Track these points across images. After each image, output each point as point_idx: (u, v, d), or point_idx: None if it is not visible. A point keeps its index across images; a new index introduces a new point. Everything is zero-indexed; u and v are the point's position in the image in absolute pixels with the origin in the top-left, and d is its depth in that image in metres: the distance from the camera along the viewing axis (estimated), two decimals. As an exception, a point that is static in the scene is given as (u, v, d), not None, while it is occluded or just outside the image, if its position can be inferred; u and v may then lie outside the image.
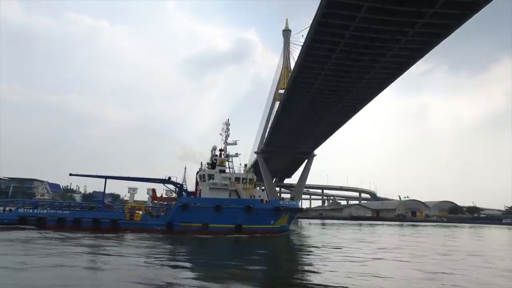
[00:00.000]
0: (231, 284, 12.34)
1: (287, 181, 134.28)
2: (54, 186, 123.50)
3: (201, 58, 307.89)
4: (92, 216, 32.99)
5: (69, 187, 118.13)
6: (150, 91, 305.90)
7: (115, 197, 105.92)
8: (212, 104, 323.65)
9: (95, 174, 36.80)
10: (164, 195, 40.60)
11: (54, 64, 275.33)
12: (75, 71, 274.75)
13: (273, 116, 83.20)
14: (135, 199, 38.23)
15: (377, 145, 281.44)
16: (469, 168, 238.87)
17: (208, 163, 38.48)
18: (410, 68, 48.53)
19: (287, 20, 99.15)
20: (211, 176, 36.52)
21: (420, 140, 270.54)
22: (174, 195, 39.63)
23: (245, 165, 41.58)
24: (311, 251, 24.48)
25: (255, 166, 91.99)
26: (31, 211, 33.23)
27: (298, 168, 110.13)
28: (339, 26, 37.41)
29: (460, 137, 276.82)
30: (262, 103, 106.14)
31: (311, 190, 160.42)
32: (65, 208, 35.26)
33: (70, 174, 36.58)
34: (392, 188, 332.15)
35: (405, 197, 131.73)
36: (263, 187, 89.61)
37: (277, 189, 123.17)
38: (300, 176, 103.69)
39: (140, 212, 35.48)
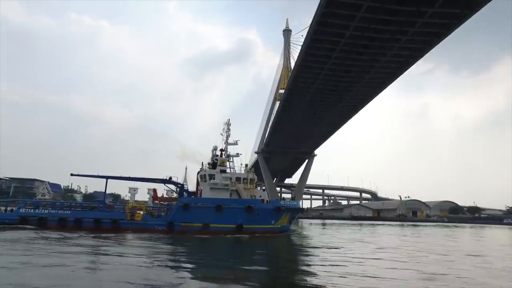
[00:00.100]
0: (232, 285, 12.37)
1: (287, 181, 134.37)
2: (54, 186, 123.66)
3: (201, 58, 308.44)
4: (93, 216, 33.09)
5: (70, 187, 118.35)
6: (150, 91, 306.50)
7: (116, 197, 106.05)
8: (213, 104, 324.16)
9: (96, 174, 36.95)
10: (164, 195, 40.69)
11: (55, 64, 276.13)
12: (76, 71, 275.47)
13: (274, 116, 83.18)
14: (135, 199, 38.32)
15: (377, 145, 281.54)
16: (470, 168, 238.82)
17: (209, 163, 38.54)
18: (411, 68, 48.56)
19: (287, 20, 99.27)
20: (212, 176, 36.58)
21: (421, 140, 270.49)
22: (174, 195, 39.71)
23: (246, 165, 41.64)
24: (311, 252, 24.57)
25: (255, 166, 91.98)
26: (32, 211, 33.34)
27: (298, 168, 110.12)
28: (339, 26, 37.42)
29: (461, 136, 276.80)
30: (263, 103, 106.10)
31: (311, 190, 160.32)
32: (66, 208, 35.35)
33: (72, 174, 36.70)
34: (393, 188, 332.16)
35: (406, 197, 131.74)
36: (263, 187, 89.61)
37: (278, 189, 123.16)
38: (301, 176, 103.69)
39: (141, 212, 35.56)
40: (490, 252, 27.48)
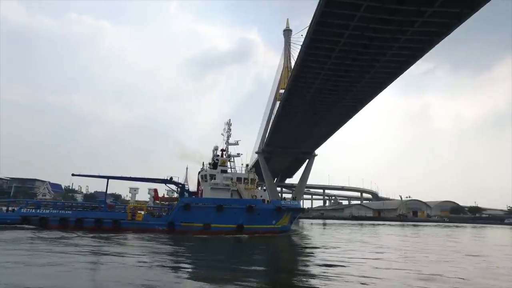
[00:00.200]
0: (231, 285, 12.40)
1: (288, 181, 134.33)
2: (55, 186, 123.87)
3: (202, 58, 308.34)
4: (94, 216, 33.18)
5: (70, 187, 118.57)
6: (151, 91, 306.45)
7: (117, 197, 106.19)
8: (214, 104, 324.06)
9: (97, 174, 37.04)
10: (165, 195, 40.75)
11: (56, 64, 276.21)
12: (77, 71, 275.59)
13: (274, 116, 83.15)
14: (136, 199, 38.42)
15: (378, 145, 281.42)
16: (471, 167, 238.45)
17: (209, 163, 38.60)
18: (412, 68, 48.48)
19: (287, 20, 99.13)
20: (212, 176, 36.63)
21: (422, 139, 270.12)
22: (175, 195, 39.77)
23: (247, 165, 41.69)
24: (311, 252, 24.64)
25: (256, 166, 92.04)
26: (34, 211, 33.45)
27: (299, 168, 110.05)
28: (338, 26, 37.39)
29: (461, 136, 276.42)
30: (264, 103, 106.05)
31: (312, 190, 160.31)
32: (67, 208, 35.49)
33: (73, 175, 36.76)
34: (394, 188, 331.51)
35: (407, 197, 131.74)
36: (264, 187, 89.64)
37: (278, 189, 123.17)
38: (301, 176, 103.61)
39: (142, 212, 35.64)
40: (490, 252, 27.52)
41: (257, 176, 40.48)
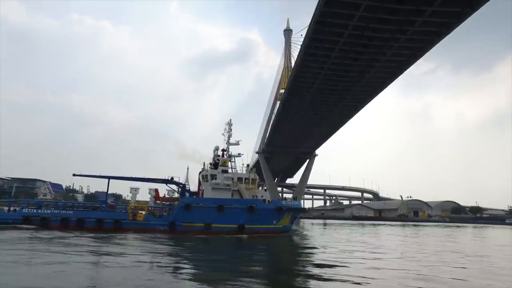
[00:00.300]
0: (232, 286, 12.42)
1: (289, 181, 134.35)
2: (56, 186, 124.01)
3: (203, 58, 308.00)
4: (96, 216, 33.24)
5: (71, 187, 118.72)
6: (152, 91, 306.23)
7: (117, 197, 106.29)
8: (214, 104, 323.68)
9: (97, 174, 37.11)
10: (166, 195, 40.80)
11: (56, 64, 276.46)
12: (77, 71, 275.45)
13: (274, 116, 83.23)
14: (137, 199, 38.47)
15: (379, 145, 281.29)
16: (472, 167, 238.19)
17: (210, 163, 38.63)
18: (413, 68, 48.56)
19: (288, 19, 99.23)
20: (213, 176, 36.67)
21: (423, 139, 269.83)
22: (176, 195, 39.82)
23: (248, 165, 41.71)
24: (310, 252, 24.62)
25: (257, 166, 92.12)
26: (35, 211, 33.53)
27: (299, 168, 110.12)
28: (338, 25, 37.41)
29: (463, 136, 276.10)
30: (265, 103, 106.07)
31: (313, 190, 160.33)
32: (68, 208, 35.56)
33: (74, 175, 36.85)
34: (395, 188, 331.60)
35: (408, 197, 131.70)
36: (265, 187, 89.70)
37: (279, 189, 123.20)
38: (302, 176, 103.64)
39: (143, 212, 35.70)
40: (490, 252, 27.43)
41: (258, 176, 40.53)
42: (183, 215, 33.47)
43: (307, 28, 41.71)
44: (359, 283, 12.88)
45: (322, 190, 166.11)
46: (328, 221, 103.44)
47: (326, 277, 14.06)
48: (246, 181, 37.35)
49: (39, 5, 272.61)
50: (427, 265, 18.15)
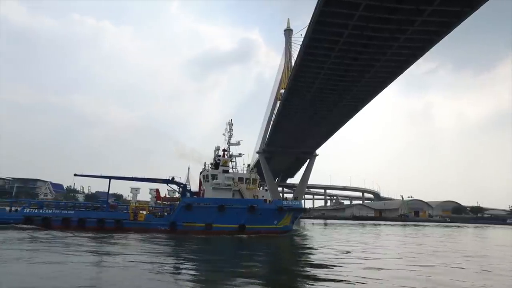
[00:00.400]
0: (232, 286, 12.47)
1: (289, 181, 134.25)
2: (57, 186, 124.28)
3: (204, 58, 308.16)
4: (97, 216, 33.35)
5: (72, 187, 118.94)
6: (153, 91, 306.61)
7: (118, 197, 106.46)
8: (215, 104, 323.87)
9: (98, 174, 37.21)
10: (167, 195, 40.89)
11: (58, 64, 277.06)
12: (79, 71, 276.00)
13: (274, 116, 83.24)
14: (137, 199, 38.55)
15: (380, 145, 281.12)
16: (473, 167, 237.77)
17: (211, 163, 38.70)
18: (414, 68, 48.71)
19: (288, 19, 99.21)
20: (214, 176, 36.74)
21: (424, 139, 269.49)
22: (176, 195, 39.90)
23: (248, 165, 41.77)
24: (310, 253, 24.68)
25: (257, 166, 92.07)
26: (36, 211, 33.65)
27: (300, 168, 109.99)
28: (337, 25, 37.39)
29: (464, 136, 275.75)
30: (265, 103, 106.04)
31: (314, 190, 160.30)
32: (70, 208, 35.66)
33: (75, 175, 37.02)
34: (396, 188, 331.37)
35: (408, 197, 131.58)
36: (266, 187, 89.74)
37: (280, 189, 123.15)
38: (302, 176, 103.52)
39: (144, 212, 35.78)
40: (490, 253, 27.34)
41: (258, 176, 40.57)
42: (184, 215, 33.54)
43: (306, 28, 41.71)
44: (353, 283, 12.97)
45: (322, 190, 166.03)
46: (328, 221, 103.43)
47: (325, 278, 14.12)
48: (247, 181, 37.42)
49: (39, 5, 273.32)
50: (425, 266, 18.19)
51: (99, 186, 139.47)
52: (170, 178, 36.72)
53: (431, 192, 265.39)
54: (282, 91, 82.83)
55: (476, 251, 27.90)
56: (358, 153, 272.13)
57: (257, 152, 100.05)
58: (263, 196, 37.25)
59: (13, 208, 35.94)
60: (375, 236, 43.50)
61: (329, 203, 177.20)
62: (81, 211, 35.30)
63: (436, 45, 41.94)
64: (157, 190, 39.90)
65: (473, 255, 24.06)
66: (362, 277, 14.12)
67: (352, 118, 72.05)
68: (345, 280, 13.38)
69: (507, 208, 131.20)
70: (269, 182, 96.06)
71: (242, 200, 35.68)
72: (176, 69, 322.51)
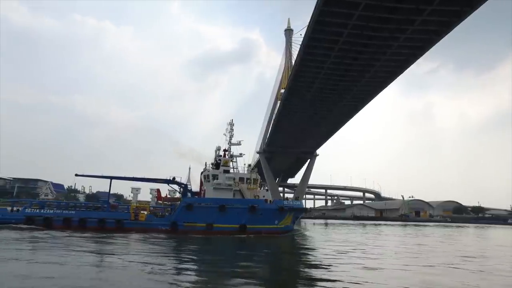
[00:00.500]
0: (232, 286, 12.50)
1: (290, 181, 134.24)
2: (57, 186, 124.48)
3: (204, 58, 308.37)
4: (98, 216, 33.42)
5: (73, 187, 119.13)
6: (154, 92, 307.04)
7: (119, 197, 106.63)
8: (216, 104, 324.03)
9: (99, 174, 37.30)
10: (167, 195, 40.93)
11: (59, 64, 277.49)
12: (80, 72, 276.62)
13: (275, 116, 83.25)
14: (138, 199, 38.61)
15: (381, 145, 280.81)
16: (474, 167, 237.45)
17: (212, 163, 38.75)
18: (415, 68, 48.73)
19: (289, 19, 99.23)
20: (215, 176, 36.76)
21: (425, 139, 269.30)
22: (177, 195, 39.95)
23: (249, 165, 41.80)
24: (309, 253, 24.69)
25: (258, 166, 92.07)
26: (38, 211, 33.74)
27: (301, 168, 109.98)
28: (337, 25, 37.38)
29: (465, 136, 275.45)
30: (266, 103, 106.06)
31: (314, 190, 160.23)
32: (71, 208, 35.76)
33: (76, 175, 37.08)
34: (396, 188, 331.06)
35: (409, 197, 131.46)
36: (266, 187, 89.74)
37: (280, 189, 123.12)
38: (303, 176, 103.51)
39: (145, 212, 35.84)
40: (490, 253, 27.22)
41: (259, 176, 40.59)
42: (185, 215, 33.58)
43: (306, 27, 41.69)
44: (353, 283, 13.02)
45: (323, 190, 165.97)
46: (329, 221, 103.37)
47: (324, 278, 14.14)
48: (248, 181, 37.46)
49: (40, 5, 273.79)
50: (422, 266, 18.21)
51: (100, 186, 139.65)
52: (171, 178, 36.79)
53: (432, 192, 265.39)
54: (283, 91, 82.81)
55: (476, 251, 27.83)
56: (359, 153, 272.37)
57: (257, 152, 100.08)
58: (264, 196, 37.26)
59: (14, 208, 36.06)
60: (375, 237, 43.49)
61: (329, 203, 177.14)
62: (82, 211, 35.39)
63: (436, 44, 41.89)
64: (158, 190, 39.95)
65: (473, 255, 24.00)
66: (361, 277, 14.17)
67: (353, 118, 72.07)
68: (344, 281, 13.42)
69: (508, 208, 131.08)
70: (270, 182, 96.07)
71: (243, 200, 35.71)
72: (176, 69, 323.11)
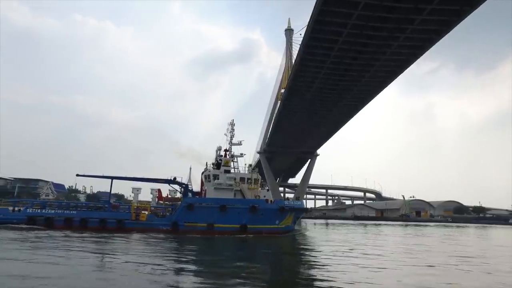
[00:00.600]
0: (233, 286, 12.54)
1: (291, 181, 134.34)
2: (58, 186, 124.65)
3: (205, 58, 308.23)
4: (99, 216, 33.52)
5: (74, 187, 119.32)
6: (155, 92, 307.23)
7: (119, 197, 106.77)
8: (217, 104, 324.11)
9: (100, 174, 37.41)
10: (168, 195, 41.02)
11: (60, 65, 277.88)
12: (80, 72, 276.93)
13: (275, 116, 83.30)
14: (139, 199, 38.71)
15: (381, 144, 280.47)
16: (475, 167, 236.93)
17: (213, 163, 38.83)
18: (415, 67, 48.82)
19: (289, 19, 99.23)
20: (216, 176, 36.85)
21: (426, 139, 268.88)
22: (178, 195, 40.03)
23: (250, 165, 41.87)
24: (309, 253, 24.75)
25: (258, 166, 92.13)
26: (39, 211, 33.86)
27: (301, 168, 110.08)
28: (336, 24, 37.44)
29: (466, 136, 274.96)
30: (267, 103, 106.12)
31: (315, 190, 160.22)
32: (72, 208, 35.86)
33: (77, 175, 37.25)
34: (397, 187, 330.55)
35: (410, 197, 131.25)
36: (267, 187, 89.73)
37: (281, 189, 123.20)
38: (303, 176, 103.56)
39: (146, 212, 35.93)
40: (490, 253, 27.13)
41: (260, 176, 40.66)
42: (185, 215, 33.66)
43: (306, 27, 41.73)
44: (353, 283, 13.08)
45: (324, 190, 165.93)
46: (330, 221, 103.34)
47: (323, 278, 14.17)
48: (249, 181, 37.53)
49: (41, 5, 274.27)
50: (420, 266, 18.22)
51: (101, 186, 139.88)
52: (172, 178, 36.89)
53: (433, 192, 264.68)
54: (283, 91, 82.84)
55: (476, 251, 27.77)
56: (359, 153, 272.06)
57: (258, 152, 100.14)
58: (264, 196, 37.31)
59: (16, 208, 36.17)
60: (375, 236, 43.50)
61: (330, 203, 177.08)
62: (83, 211, 35.50)
63: (436, 44, 41.93)
64: (159, 190, 40.06)
65: (473, 256, 23.96)
66: (361, 277, 14.25)
67: (353, 118, 72.12)
68: (344, 281, 13.46)
69: (509, 208, 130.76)
70: (270, 182, 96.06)
71: (244, 200, 35.77)
72: (177, 69, 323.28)
